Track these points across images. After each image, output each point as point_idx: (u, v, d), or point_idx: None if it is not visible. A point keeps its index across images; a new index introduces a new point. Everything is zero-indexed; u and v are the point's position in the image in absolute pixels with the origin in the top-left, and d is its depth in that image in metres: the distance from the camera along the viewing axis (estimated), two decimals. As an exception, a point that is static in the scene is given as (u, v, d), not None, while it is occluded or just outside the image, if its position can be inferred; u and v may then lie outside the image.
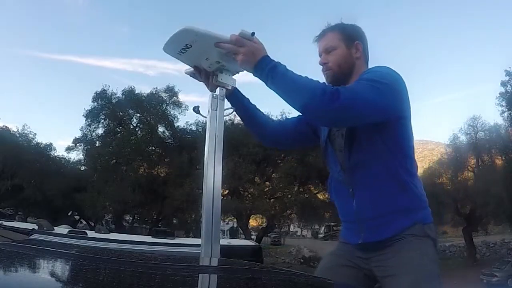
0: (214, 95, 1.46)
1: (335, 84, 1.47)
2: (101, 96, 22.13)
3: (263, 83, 1.34)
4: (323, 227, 34.14)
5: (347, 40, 1.50)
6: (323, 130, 1.58)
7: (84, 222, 25.73)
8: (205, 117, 1.47)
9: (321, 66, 1.52)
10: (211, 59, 1.41)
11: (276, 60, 1.34)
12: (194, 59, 1.45)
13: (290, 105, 1.33)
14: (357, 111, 1.29)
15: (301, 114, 1.49)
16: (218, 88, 1.49)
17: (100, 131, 22.88)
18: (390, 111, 1.35)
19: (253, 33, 1.34)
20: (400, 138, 1.41)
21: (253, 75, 1.37)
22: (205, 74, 1.49)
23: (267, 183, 20.84)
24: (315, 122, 1.53)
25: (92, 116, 22.24)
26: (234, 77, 1.51)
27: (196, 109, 1.46)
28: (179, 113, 22.67)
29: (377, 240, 1.40)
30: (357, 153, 1.41)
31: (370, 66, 1.53)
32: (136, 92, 22.40)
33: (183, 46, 1.36)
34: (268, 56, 1.35)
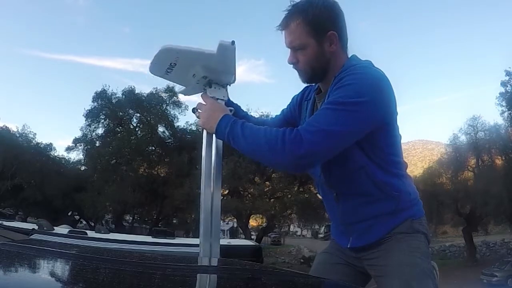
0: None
1: (310, 82, 1.41)
2: (101, 96, 22.17)
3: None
4: (323, 227, 34.06)
5: (317, 33, 1.26)
6: None
7: (84, 222, 25.77)
8: None
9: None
10: (198, 75, 1.39)
11: (233, 118, 1.26)
12: (182, 77, 1.44)
13: (260, 162, 1.27)
14: (327, 150, 1.17)
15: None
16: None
17: (100, 131, 22.99)
18: (368, 129, 1.21)
19: (233, 42, 1.28)
20: (383, 145, 1.28)
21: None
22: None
23: (267, 183, 20.84)
24: (289, 172, 1.31)
25: (92, 116, 22.29)
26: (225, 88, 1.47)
27: (195, 110, 1.44)
28: (179, 113, 22.77)
29: (365, 244, 1.37)
30: (336, 170, 1.31)
31: (353, 53, 1.35)
32: (136, 92, 22.51)
33: (168, 65, 1.34)
34: (227, 116, 1.27)
